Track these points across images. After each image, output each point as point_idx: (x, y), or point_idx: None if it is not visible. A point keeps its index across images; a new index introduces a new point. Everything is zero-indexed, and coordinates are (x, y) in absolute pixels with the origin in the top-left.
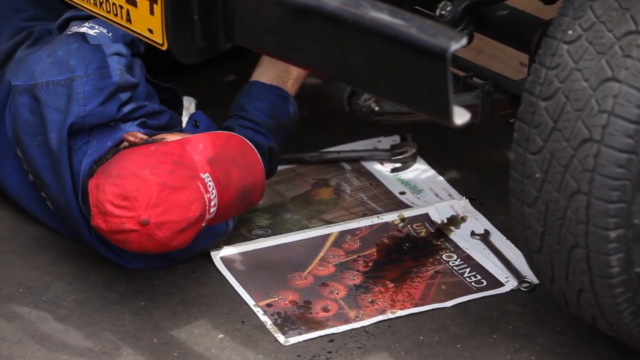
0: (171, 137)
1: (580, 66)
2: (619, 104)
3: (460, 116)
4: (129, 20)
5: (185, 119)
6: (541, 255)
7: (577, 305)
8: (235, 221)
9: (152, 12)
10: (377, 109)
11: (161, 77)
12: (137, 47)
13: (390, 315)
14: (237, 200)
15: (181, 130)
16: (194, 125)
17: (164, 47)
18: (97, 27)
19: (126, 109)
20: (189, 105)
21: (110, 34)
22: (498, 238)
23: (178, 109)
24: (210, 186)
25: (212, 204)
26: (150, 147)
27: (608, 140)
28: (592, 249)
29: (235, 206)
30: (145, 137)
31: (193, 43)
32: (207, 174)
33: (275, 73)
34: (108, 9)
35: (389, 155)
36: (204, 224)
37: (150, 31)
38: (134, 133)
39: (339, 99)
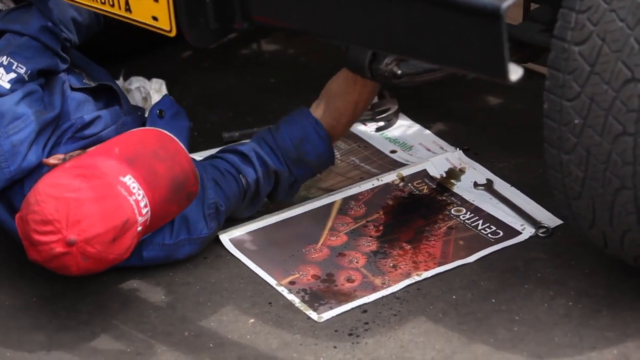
0: (91, 149)
1: (614, 6)
2: None
3: (515, 72)
4: (128, 9)
5: (156, 99)
6: (581, 201)
7: (619, 246)
8: (218, 223)
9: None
10: (399, 72)
11: (114, 60)
12: (64, 60)
13: (417, 278)
14: (172, 194)
15: (122, 129)
16: (159, 116)
17: (172, 34)
18: (13, 65)
19: (52, 141)
20: (159, 87)
21: (25, 69)
22: (502, 186)
23: (119, 102)
24: (134, 187)
25: (141, 204)
26: (65, 165)
27: None
28: None
29: (173, 200)
30: (62, 156)
31: (206, 26)
32: (128, 176)
33: (327, 112)
34: (103, 1)
35: (371, 114)
36: (140, 228)
37: (155, 19)
38: (55, 156)
39: (359, 65)
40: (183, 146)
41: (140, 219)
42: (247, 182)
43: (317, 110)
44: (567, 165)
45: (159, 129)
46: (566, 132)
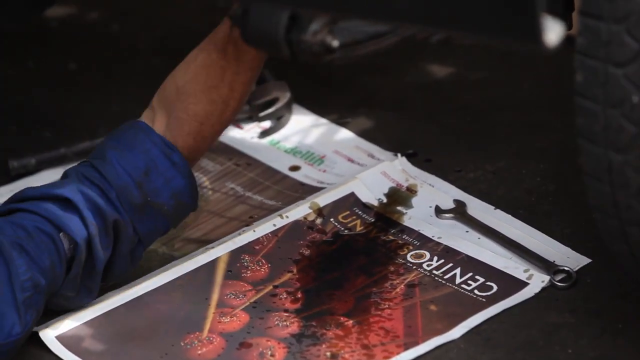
0: None
1: None
2: None
3: (553, 30)
4: None
5: None
6: None
7: None
8: (37, 313)
9: None
10: (335, 43)
11: None
12: None
13: None
14: None
15: None
16: None
17: None
18: None
19: None
20: None
21: None
22: (481, 209)
23: None
24: None
25: None
26: None
27: None
28: None
29: None
30: None
31: None
32: None
33: (176, 126)
34: None
35: (249, 110)
36: None
37: None
38: None
39: (269, 37)
40: None
41: None
42: (72, 244)
43: (155, 126)
44: (622, 170)
45: None
46: (618, 118)
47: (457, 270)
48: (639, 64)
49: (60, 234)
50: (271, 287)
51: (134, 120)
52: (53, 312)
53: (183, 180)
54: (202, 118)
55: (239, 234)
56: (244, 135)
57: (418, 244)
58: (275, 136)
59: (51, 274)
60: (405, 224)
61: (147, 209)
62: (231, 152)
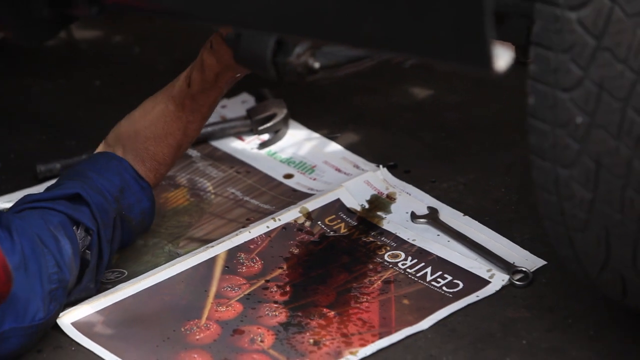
0: None
1: None
2: None
3: (502, 57)
4: None
5: None
6: (588, 234)
7: None
8: (59, 304)
9: None
10: (316, 65)
11: None
12: None
13: (352, 358)
14: None
15: None
16: None
17: None
18: None
19: None
20: None
21: None
22: (451, 215)
23: None
24: None
25: None
26: None
27: None
28: None
29: None
30: None
31: (36, 14)
32: None
33: (137, 159)
34: None
35: (250, 124)
36: None
37: None
38: None
39: (257, 60)
40: None
41: None
42: (87, 236)
43: (119, 150)
44: (567, 183)
45: None
46: (564, 137)
47: (428, 269)
48: (583, 89)
49: (73, 227)
50: (263, 281)
51: (96, 153)
52: (68, 303)
53: (149, 202)
54: (160, 159)
55: (236, 234)
56: (245, 146)
57: (395, 245)
58: (272, 147)
59: (73, 267)
60: (384, 227)
61: (118, 223)
62: (233, 161)
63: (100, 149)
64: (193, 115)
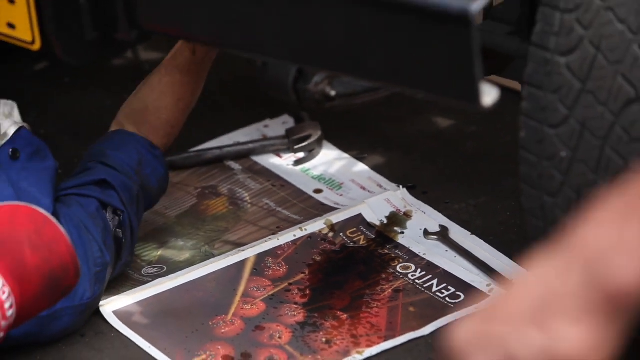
0: None
1: (611, 4)
2: None
3: (489, 94)
4: None
5: (6, 127)
6: None
7: None
8: (102, 287)
9: (11, 0)
10: (332, 93)
11: None
12: None
13: (358, 357)
14: (46, 290)
15: None
16: (12, 158)
17: (36, 47)
18: None
19: None
20: (10, 112)
21: None
22: (460, 234)
23: None
24: None
25: (6, 306)
26: None
27: None
28: None
29: (45, 298)
30: None
31: (82, 36)
32: None
33: (148, 130)
34: None
35: (287, 143)
36: (1, 334)
37: (11, 26)
38: None
39: (281, 86)
40: (62, 229)
41: (3, 324)
42: (119, 220)
43: (131, 126)
44: (552, 210)
45: (32, 206)
46: (550, 169)
47: (435, 281)
48: (567, 126)
49: (106, 212)
50: (287, 284)
51: (110, 131)
52: (114, 289)
53: (163, 169)
54: (174, 122)
55: (266, 241)
56: (282, 162)
57: (407, 258)
58: (306, 165)
59: (111, 249)
60: (399, 241)
61: (142, 193)
62: (270, 175)
63: (112, 128)
64: (199, 76)
